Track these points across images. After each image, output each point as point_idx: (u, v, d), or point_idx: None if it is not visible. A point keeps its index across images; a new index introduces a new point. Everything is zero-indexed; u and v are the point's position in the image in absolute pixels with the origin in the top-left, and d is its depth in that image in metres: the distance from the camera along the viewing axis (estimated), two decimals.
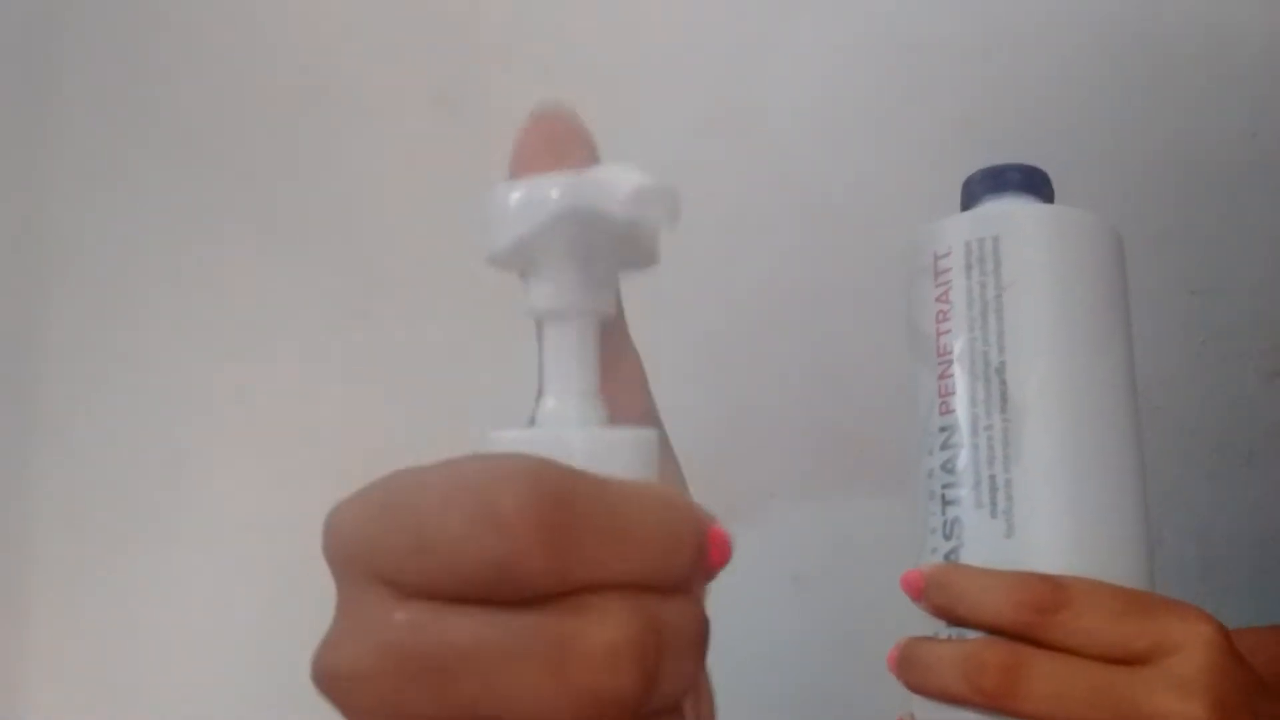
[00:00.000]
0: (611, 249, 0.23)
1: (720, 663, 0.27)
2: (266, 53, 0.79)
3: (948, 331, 0.39)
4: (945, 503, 0.38)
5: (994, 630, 0.35)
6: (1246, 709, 0.34)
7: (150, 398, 0.78)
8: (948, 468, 0.38)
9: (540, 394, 0.24)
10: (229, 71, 0.79)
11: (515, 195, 0.23)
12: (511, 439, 0.23)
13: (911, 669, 0.37)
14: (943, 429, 0.38)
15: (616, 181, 0.22)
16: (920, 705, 0.37)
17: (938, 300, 0.39)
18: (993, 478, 0.37)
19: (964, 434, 0.38)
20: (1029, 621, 0.34)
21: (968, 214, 0.41)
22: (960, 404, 0.38)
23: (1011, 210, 0.40)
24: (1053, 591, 0.34)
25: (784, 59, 0.71)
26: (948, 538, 0.38)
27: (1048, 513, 0.36)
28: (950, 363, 0.38)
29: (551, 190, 0.23)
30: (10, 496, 0.78)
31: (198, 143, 0.79)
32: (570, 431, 0.23)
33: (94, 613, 0.77)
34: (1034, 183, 0.41)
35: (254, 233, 0.78)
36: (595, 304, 0.24)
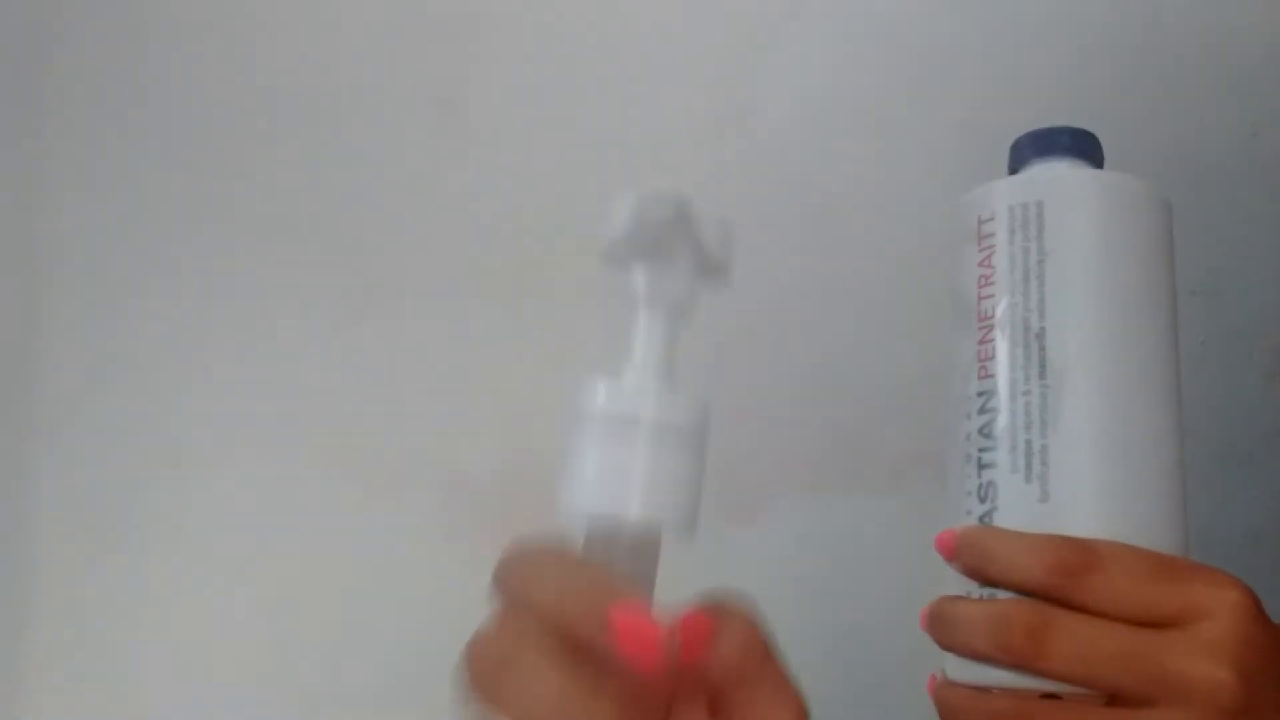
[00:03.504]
0: (695, 258, 0.32)
1: None
2: (266, 53, 0.79)
3: (990, 296, 0.39)
4: (981, 466, 0.38)
5: (1024, 591, 0.36)
6: (1273, 675, 0.35)
7: (150, 398, 0.78)
8: (985, 432, 0.38)
9: (630, 361, 0.32)
10: (228, 71, 0.79)
11: (630, 201, 0.31)
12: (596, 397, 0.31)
13: (942, 627, 0.38)
14: (981, 393, 0.39)
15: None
16: (952, 663, 0.38)
17: (980, 265, 0.40)
18: (1029, 443, 0.37)
19: (1002, 399, 0.38)
20: (1058, 584, 0.35)
21: (1013, 178, 0.41)
22: (1000, 369, 0.38)
23: (1057, 175, 0.40)
24: (1083, 554, 0.35)
25: (784, 59, 0.71)
26: (982, 500, 0.38)
27: (1083, 478, 0.37)
28: (991, 327, 0.39)
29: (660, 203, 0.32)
30: (10, 496, 0.78)
31: (196, 142, 0.80)
32: (640, 404, 0.31)
33: (94, 613, 0.77)
34: (1083, 146, 0.41)
35: (253, 233, 0.78)
36: (677, 296, 0.32)
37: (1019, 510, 0.37)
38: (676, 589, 0.33)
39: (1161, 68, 0.66)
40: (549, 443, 0.72)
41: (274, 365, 0.76)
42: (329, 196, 0.77)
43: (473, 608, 0.74)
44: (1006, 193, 0.40)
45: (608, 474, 0.30)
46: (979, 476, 0.38)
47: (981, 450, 0.38)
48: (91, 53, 0.81)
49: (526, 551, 0.30)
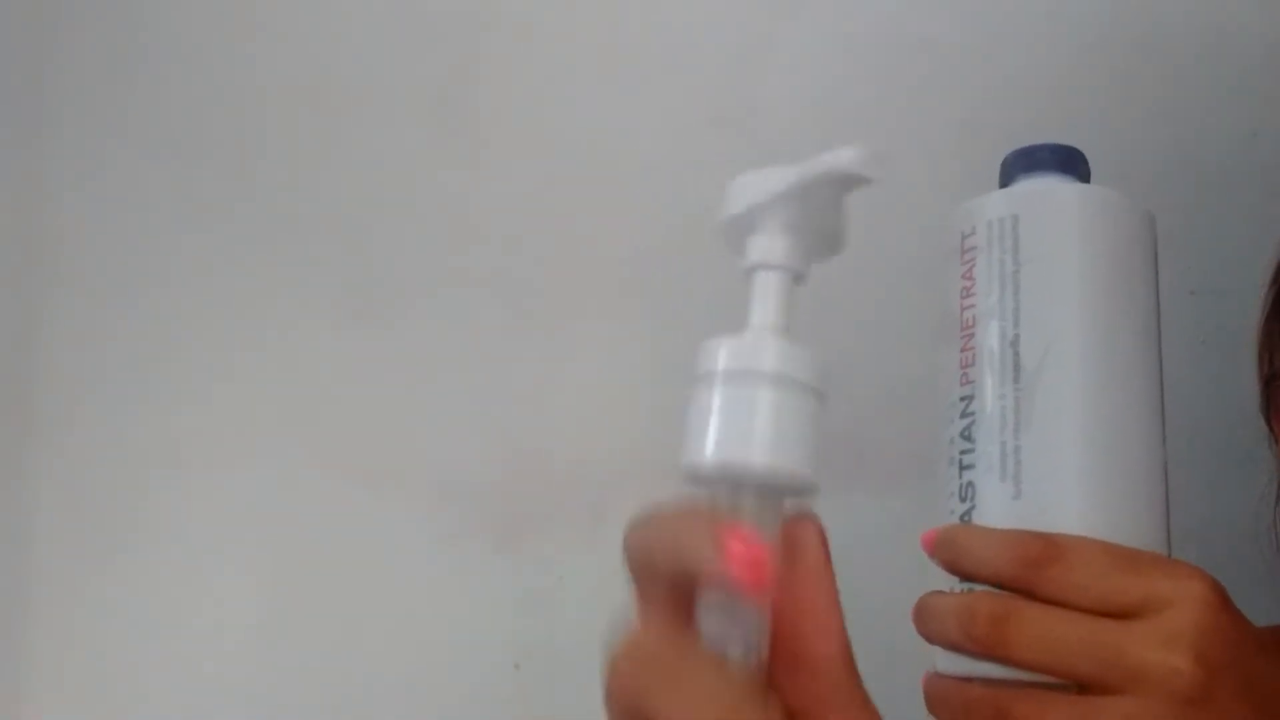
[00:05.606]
0: (811, 226, 0.33)
1: None
2: (266, 53, 0.79)
3: (970, 306, 0.42)
4: (962, 467, 0.41)
5: (994, 584, 0.38)
6: (1235, 667, 0.36)
7: (149, 397, 0.78)
8: (965, 435, 0.41)
9: (749, 324, 0.33)
10: (228, 71, 0.79)
11: (747, 178, 0.33)
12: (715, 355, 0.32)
13: (922, 619, 0.40)
14: (962, 399, 0.42)
15: (835, 155, 0.32)
16: (941, 656, 0.40)
17: (962, 277, 0.42)
18: (1004, 444, 0.40)
19: (980, 403, 0.41)
20: (1022, 575, 0.37)
21: (991, 195, 0.44)
22: (978, 375, 0.41)
23: (1034, 190, 0.43)
24: (1046, 547, 0.37)
25: (784, 59, 0.71)
26: (963, 500, 0.41)
27: (1053, 477, 0.39)
28: (971, 336, 0.42)
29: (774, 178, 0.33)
30: (9, 496, 0.78)
31: (197, 142, 0.80)
32: (760, 358, 0.31)
33: (94, 613, 0.77)
34: (1067, 161, 0.43)
35: (254, 233, 0.78)
36: (792, 264, 0.33)
37: (995, 508, 0.40)
38: None
39: (1161, 68, 0.66)
40: (549, 443, 0.72)
41: (274, 365, 0.76)
42: (329, 196, 0.77)
43: (472, 606, 0.74)
44: (986, 208, 0.42)
45: (729, 426, 0.30)
46: (960, 477, 0.41)
47: (963, 452, 0.41)
48: (91, 53, 0.81)
49: (646, 514, 0.31)
